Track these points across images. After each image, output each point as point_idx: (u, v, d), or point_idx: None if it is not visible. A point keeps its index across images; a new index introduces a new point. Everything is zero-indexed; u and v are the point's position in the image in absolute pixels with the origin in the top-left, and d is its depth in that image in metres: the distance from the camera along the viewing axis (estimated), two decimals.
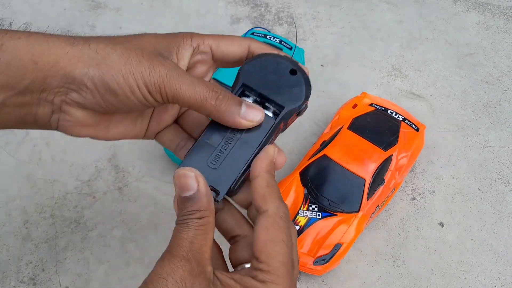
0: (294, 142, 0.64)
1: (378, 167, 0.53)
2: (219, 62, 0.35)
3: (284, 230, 0.29)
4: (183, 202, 0.29)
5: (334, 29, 0.77)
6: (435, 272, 0.54)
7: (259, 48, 0.34)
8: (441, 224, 0.58)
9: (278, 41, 0.72)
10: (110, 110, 0.29)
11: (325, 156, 0.54)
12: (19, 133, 0.63)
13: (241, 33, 0.75)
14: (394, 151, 0.55)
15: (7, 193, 0.58)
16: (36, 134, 0.63)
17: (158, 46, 0.30)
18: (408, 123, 0.59)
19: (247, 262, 0.32)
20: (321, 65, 0.73)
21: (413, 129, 0.59)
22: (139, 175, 0.60)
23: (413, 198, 0.60)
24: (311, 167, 0.54)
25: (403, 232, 0.57)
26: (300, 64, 0.34)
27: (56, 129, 0.31)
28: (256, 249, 0.29)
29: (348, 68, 0.73)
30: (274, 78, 0.33)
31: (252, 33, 0.71)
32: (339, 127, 0.57)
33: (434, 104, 0.69)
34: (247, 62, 0.34)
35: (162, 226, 0.56)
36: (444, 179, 0.62)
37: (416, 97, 0.70)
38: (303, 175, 0.54)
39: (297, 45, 0.73)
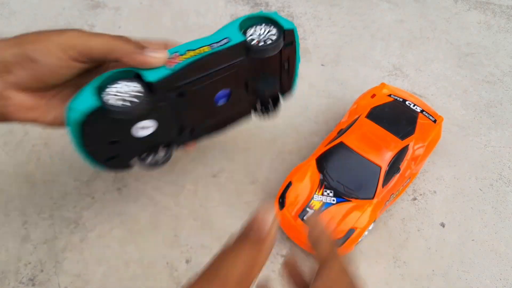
0: (294, 142, 0.64)
1: (394, 156, 0.53)
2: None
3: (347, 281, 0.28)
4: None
5: (334, 29, 0.77)
6: (436, 272, 0.54)
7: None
8: (442, 225, 0.58)
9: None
10: (43, 84, 0.33)
11: (342, 143, 0.54)
12: (18, 133, 0.63)
13: None
14: (410, 141, 0.55)
15: (6, 194, 0.57)
16: (35, 134, 0.63)
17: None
18: (426, 114, 0.59)
19: None
20: (322, 65, 0.72)
21: (431, 121, 0.59)
22: (138, 175, 0.60)
23: (414, 199, 0.60)
24: (328, 154, 0.54)
25: (404, 232, 0.57)
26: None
27: (3, 118, 0.34)
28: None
29: (349, 68, 0.72)
30: None
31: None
32: (357, 116, 0.57)
33: (435, 104, 0.69)
34: None
35: (161, 226, 0.56)
36: (445, 179, 0.61)
37: (417, 97, 0.70)
38: (320, 161, 0.54)
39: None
